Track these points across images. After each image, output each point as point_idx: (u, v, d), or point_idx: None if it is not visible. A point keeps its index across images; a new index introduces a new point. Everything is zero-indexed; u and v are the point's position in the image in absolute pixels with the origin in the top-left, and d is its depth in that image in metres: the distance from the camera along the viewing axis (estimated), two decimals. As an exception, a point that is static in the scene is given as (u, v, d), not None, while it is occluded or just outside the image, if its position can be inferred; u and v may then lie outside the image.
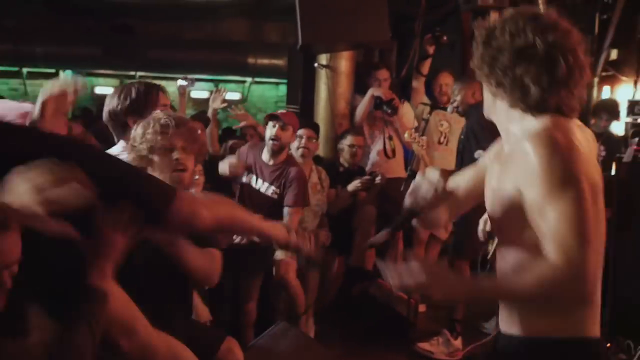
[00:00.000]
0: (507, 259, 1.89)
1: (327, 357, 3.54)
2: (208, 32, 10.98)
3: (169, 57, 10.40)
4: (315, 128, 4.85)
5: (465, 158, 4.70)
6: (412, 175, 3.31)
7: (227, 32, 11.14)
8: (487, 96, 1.92)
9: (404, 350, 4.43)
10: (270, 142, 4.24)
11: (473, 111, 4.81)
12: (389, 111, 5.31)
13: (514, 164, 1.78)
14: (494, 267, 3.84)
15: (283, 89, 10.99)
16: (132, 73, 11.54)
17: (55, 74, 11.64)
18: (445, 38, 5.56)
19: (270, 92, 12.61)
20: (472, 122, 4.76)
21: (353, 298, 4.97)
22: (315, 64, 5.94)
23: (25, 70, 11.32)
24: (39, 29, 10.33)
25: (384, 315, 4.75)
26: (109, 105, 2.87)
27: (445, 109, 5.34)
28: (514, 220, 1.81)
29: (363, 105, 5.52)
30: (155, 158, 2.54)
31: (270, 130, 4.25)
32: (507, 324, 1.90)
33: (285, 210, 4.16)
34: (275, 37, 11.17)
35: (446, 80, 5.59)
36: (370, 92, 5.47)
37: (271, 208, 4.09)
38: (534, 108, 1.79)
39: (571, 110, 1.81)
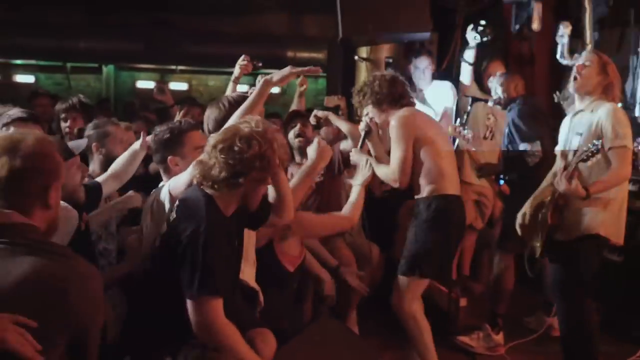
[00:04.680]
0: None
1: (366, 349, 3.54)
2: (247, 26, 11.02)
3: (208, 52, 10.50)
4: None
5: (510, 152, 4.65)
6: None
7: (267, 26, 11.18)
8: (374, 112, 3.98)
9: (444, 344, 4.40)
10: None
11: (514, 104, 4.75)
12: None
13: None
14: (540, 264, 4.05)
15: (322, 83, 10.99)
16: (173, 67, 11.67)
17: (99, 69, 11.85)
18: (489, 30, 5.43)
19: (310, 86, 12.60)
20: (513, 115, 4.70)
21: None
22: (356, 57, 5.92)
23: (69, 65, 11.55)
24: (82, 24, 10.51)
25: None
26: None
27: (487, 101, 5.23)
28: None
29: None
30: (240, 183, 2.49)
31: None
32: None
33: None
34: (314, 30, 11.16)
35: (498, 69, 5.40)
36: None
37: None
38: (399, 107, 3.90)
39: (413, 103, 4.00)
